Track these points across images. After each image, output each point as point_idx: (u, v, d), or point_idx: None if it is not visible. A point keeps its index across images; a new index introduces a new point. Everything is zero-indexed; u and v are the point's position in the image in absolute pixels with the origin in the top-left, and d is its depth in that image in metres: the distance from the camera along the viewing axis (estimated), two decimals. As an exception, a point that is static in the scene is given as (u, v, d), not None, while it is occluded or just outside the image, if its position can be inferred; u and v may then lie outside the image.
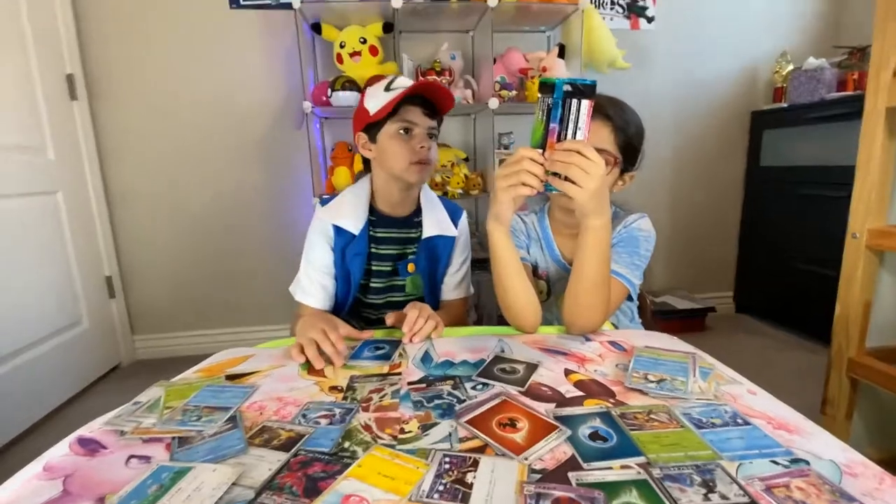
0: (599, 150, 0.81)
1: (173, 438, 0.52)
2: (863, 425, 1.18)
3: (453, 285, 1.07)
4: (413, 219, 1.03)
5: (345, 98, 1.81)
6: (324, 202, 1.03)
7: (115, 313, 2.07)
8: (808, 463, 0.44)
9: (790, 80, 2.14)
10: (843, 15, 2.35)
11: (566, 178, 0.64)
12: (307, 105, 1.80)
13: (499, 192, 0.68)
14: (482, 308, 2.08)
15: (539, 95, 0.63)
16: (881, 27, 1.02)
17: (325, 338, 0.72)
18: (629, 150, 0.86)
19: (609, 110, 0.83)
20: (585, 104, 0.62)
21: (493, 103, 1.85)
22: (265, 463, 0.47)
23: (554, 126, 0.63)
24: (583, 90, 0.61)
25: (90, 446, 0.52)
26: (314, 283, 1.00)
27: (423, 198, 1.03)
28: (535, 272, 0.97)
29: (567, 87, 0.60)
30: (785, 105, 2.18)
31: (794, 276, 2.14)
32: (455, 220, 1.05)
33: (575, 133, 0.64)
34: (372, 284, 1.04)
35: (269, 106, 2.09)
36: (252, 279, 2.20)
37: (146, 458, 0.49)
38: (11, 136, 1.59)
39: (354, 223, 0.97)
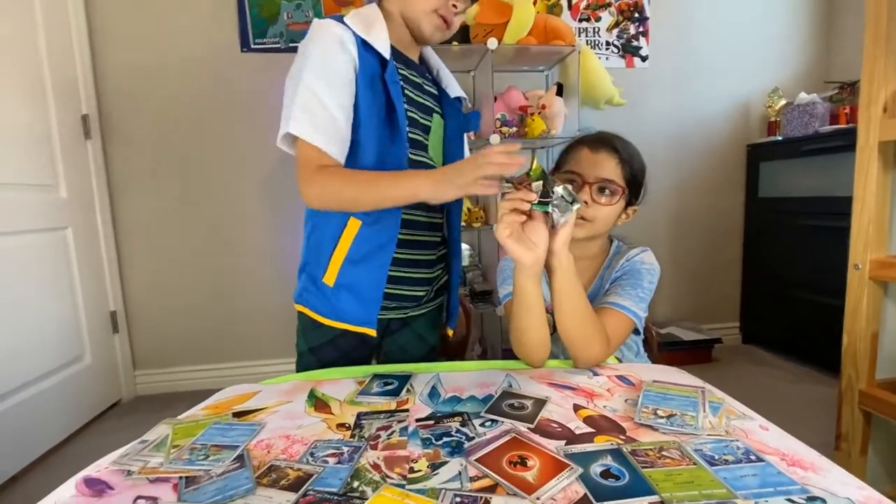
0: (607, 182, 0.84)
1: (180, 478, 0.51)
2: (879, 461, 1.15)
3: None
4: (426, 71, 0.88)
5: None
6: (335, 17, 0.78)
7: (117, 348, 2.06)
8: (824, 501, 0.43)
9: (784, 114, 2.20)
10: (832, 51, 2.44)
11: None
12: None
13: (501, 241, 0.69)
14: (485, 341, 2.07)
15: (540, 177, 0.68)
16: (869, 64, 1.07)
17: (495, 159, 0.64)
18: (633, 184, 0.88)
19: (615, 143, 0.87)
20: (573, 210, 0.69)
21: (495, 139, 1.90)
22: (274, 504, 0.46)
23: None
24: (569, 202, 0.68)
25: (97, 487, 0.51)
26: (333, 122, 0.74)
27: (424, 52, 0.89)
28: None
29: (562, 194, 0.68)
30: (780, 138, 2.23)
31: (798, 306, 2.13)
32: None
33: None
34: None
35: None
36: (254, 315, 2.20)
37: (153, 500, 0.48)
38: (26, 175, 1.63)
39: (384, 46, 0.76)
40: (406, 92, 0.82)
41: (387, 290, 0.86)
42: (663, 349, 2.09)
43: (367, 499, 0.46)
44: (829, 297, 1.90)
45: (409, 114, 0.82)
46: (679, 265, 2.47)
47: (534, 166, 0.69)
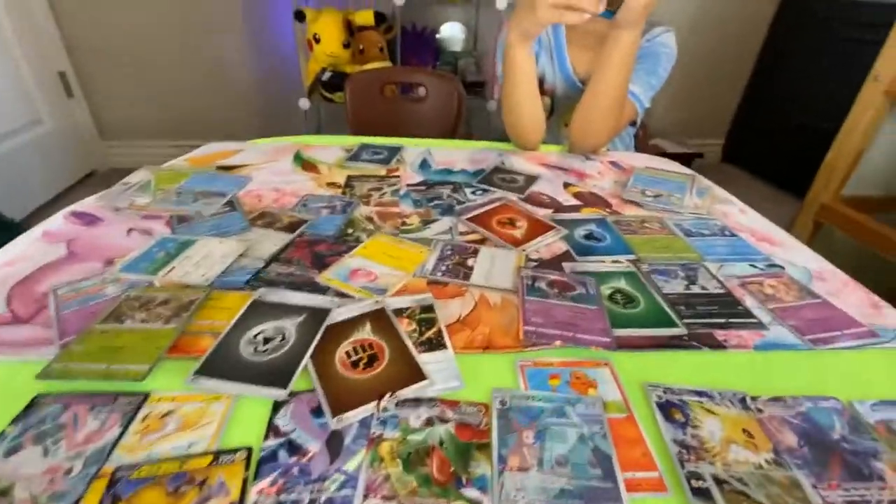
0: None
1: (172, 216, 0.52)
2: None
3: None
4: None
5: None
6: None
7: (77, 114, 1.92)
8: (783, 268, 0.47)
9: None
10: None
11: None
12: None
13: (539, 10, 0.58)
14: (478, 136, 2.01)
15: None
16: None
17: None
18: None
19: None
20: None
21: None
22: (270, 241, 0.48)
23: None
24: None
25: (87, 218, 0.51)
26: None
27: None
28: (540, 86, 0.90)
29: None
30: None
31: (792, 129, 2.09)
32: None
33: None
34: None
35: None
36: (225, 87, 2.01)
37: (147, 231, 0.49)
38: None
39: None
40: None
41: None
42: (645, 159, 2.11)
43: (362, 242, 0.48)
44: (829, 121, 1.86)
45: None
46: (680, 72, 2.29)
47: None
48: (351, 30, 1.69)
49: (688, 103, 2.41)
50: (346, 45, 1.68)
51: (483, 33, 1.94)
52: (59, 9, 1.77)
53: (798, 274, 0.46)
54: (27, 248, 0.45)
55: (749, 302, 0.42)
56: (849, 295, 0.44)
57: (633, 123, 0.88)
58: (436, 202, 0.58)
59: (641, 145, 1.02)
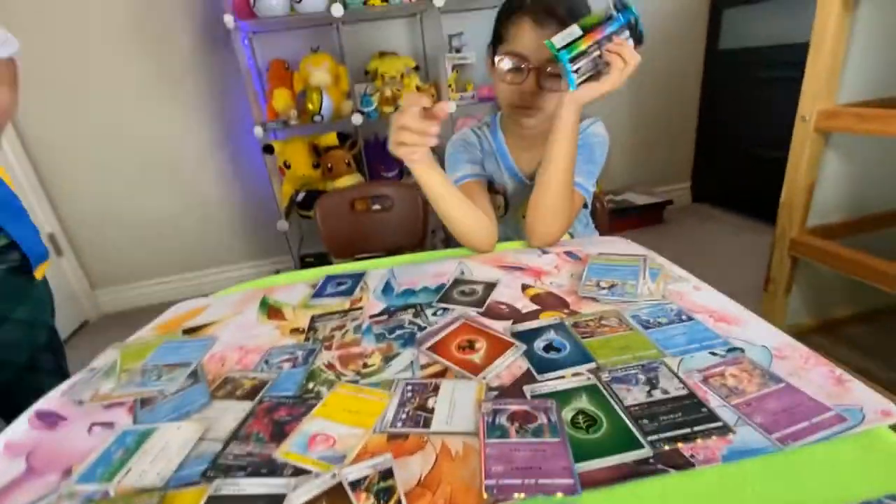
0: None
1: (135, 400, 0.52)
2: (801, 298, 1.30)
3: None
4: None
5: (271, 7, 1.60)
6: None
7: (67, 270, 1.98)
8: (742, 350, 0.47)
9: (752, -51, 2.00)
10: None
11: (593, 74, 0.69)
12: (229, 19, 1.59)
13: (391, 147, 0.64)
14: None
15: (611, 6, 0.67)
16: None
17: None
18: None
19: (562, 8, 0.74)
20: (631, 41, 0.69)
21: (439, 0, 1.68)
22: (230, 414, 0.47)
23: (604, 31, 0.67)
24: (638, 34, 0.69)
25: (49, 419, 0.51)
26: None
27: None
28: (490, 187, 0.95)
29: (632, 20, 0.68)
30: (746, -22, 2.06)
31: (749, 162, 2.19)
32: None
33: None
34: None
35: (187, 21, 1.84)
36: (206, 219, 2.11)
37: (109, 425, 0.49)
38: None
39: None
40: None
41: None
42: (617, 216, 2.17)
43: (322, 398, 0.48)
44: (778, 150, 1.95)
45: None
46: (634, 128, 2.44)
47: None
48: (318, 151, 1.80)
49: (647, 155, 2.54)
50: (316, 166, 1.79)
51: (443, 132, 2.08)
52: (42, 174, 1.90)
53: (758, 355, 0.46)
54: (-14, 469, 0.45)
55: (713, 401, 0.41)
56: (810, 372, 0.43)
57: (584, 206, 0.92)
58: (397, 332, 0.59)
59: (600, 218, 1.06)
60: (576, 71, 0.68)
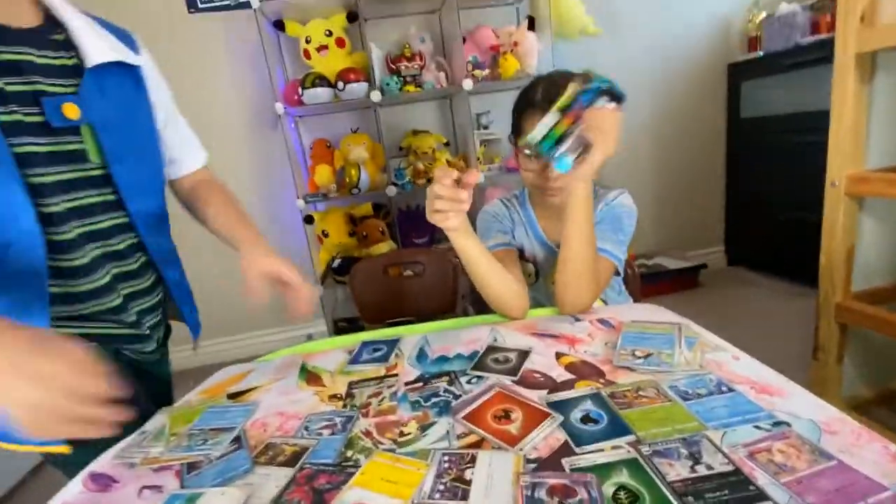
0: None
1: (182, 464, 0.54)
2: (854, 367, 1.22)
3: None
4: (48, 35, 0.60)
5: (317, 95, 1.78)
6: None
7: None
8: (789, 425, 0.46)
9: (764, 28, 2.12)
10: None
11: (585, 146, 0.69)
12: (279, 106, 1.78)
13: (427, 215, 0.69)
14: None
15: (580, 80, 0.69)
16: (846, -29, 1.01)
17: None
18: None
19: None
20: (612, 104, 0.70)
21: (468, 84, 1.83)
22: (272, 480, 0.48)
23: (581, 104, 0.68)
24: (617, 95, 0.70)
25: (102, 481, 0.53)
26: None
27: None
28: (521, 255, 0.98)
29: (603, 87, 0.69)
30: (760, 54, 2.16)
31: (781, 225, 2.16)
32: (128, 43, 0.71)
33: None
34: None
35: (241, 109, 2.06)
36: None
37: (158, 488, 0.50)
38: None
39: None
40: None
41: None
42: (650, 280, 2.14)
43: (360, 466, 0.49)
44: (810, 213, 1.92)
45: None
46: (662, 194, 2.48)
47: (567, 93, 0.68)
48: (354, 221, 1.91)
49: (676, 219, 2.54)
50: (352, 234, 1.89)
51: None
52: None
53: (805, 429, 0.45)
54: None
55: (761, 478, 0.40)
56: (863, 448, 0.41)
57: (616, 273, 0.93)
58: (432, 400, 0.60)
59: (632, 284, 1.06)
60: (564, 153, 0.68)
